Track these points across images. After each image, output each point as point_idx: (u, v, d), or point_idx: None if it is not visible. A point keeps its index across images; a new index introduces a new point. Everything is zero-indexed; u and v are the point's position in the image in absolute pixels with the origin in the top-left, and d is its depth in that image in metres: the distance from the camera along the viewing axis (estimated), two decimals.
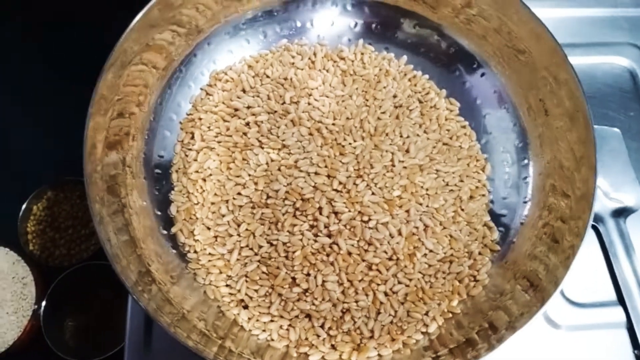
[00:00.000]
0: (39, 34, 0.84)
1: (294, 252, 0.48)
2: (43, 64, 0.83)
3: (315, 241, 0.49)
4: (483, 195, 0.54)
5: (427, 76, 0.60)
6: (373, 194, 0.50)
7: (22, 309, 0.67)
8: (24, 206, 0.73)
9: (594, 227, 0.57)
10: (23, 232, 0.73)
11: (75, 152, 0.76)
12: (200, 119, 0.55)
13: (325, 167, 0.51)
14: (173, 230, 0.51)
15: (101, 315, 0.71)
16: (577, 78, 0.49)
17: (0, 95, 0.81)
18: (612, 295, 0.56)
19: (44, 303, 0.67)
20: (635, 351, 0.53)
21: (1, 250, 0.70)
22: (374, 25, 0.61)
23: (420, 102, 0.58)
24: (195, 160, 0.53)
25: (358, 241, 0.49)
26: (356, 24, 0.61)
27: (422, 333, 0.48)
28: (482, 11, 0.55)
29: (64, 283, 0.69)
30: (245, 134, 0.54)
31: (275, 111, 0.54)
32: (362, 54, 0.60)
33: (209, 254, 0.50)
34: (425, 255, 0.50)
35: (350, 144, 0.53)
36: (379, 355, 0.47)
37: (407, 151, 0.53)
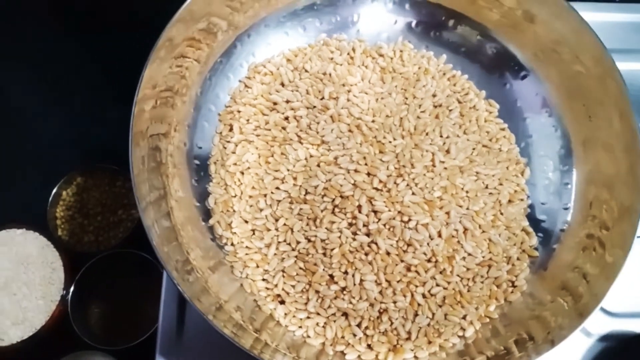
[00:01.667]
0: (74, 25, 0.84)
1: (332, 250, 0.48)
2: (72, 55, 0.83)
3: (354, 239, 0.48)
4: (522, 199, 0.54)
5: (466, 76, 0.59)
6: (413, 194, 0.50)
7: (50, 294, 0.67)
8: (53, 191, 0.73)
9: None
10: (52, 217, 0.73)
11: (105, 139, 0.76)
12: (239, 111, 0.55)
13: (365, 164, 0.50)
14: (211, 222, 0.51)
15: (127, 303, 0.71)
16: (624, 84, 0.48)
17: (35, 82, 0.81)
18: None
19: (71, 289, 0.67)
20: None
21: (31, 235, 0.70)
22: (414, 23, 0.60)
23: (459, 102, 0.57)
24: (234, 152, 0.53)
25: (397, 241, 0.48)
26: (396, 21, 0.60)
27: (459, 337, 0.48)
28: (527, 13, 0.54)
29: (91, 270, 0.69)
30: (284, 128, 0.53)
31: (315, 106, 0.54)
32: (402, 51, 0.59)
33: (246, 247, 0.50)
34: (464, 258, 0.49)
35: (390, 142, 0.52)
36: (415, 357, 0.46)
37: (448, 152, 0.53)
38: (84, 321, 0.69)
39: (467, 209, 0.51)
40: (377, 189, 0.50)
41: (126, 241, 0.72)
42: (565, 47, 0.53)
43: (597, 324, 0.54)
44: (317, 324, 0.47)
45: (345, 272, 0.48)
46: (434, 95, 0.57)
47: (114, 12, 0.82)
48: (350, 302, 0.47)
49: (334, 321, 0.47)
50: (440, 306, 0.48)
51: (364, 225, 0.48)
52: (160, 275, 0.56)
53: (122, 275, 0.71)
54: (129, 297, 0.71)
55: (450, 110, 0.56)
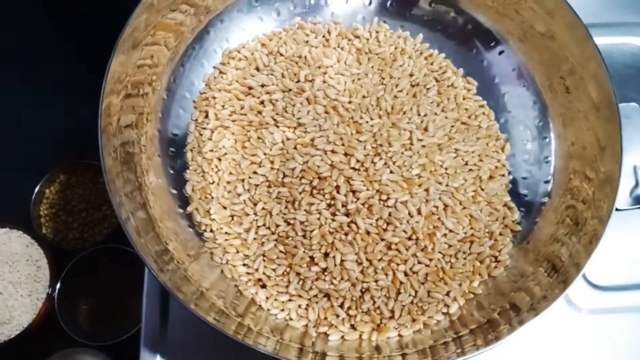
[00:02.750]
0: (52, 18, 0.84)
1: (311, 231, 0.48)
2: (53, 49, 0.82)
3: (333, 220, 0.48)
4: (503, 175, 0.53)
5: (443, 55, 0.58)
6: (391, 172, 0.49)
7: (36, 292, 0.67)
8: (36, 189, 0.73)
9: None
10: (36, 215, 0.73)
11: (87, 135, 0.75)
12: (214, 97, 0.54)
13: (342, 145, 0.50)
14: (189, 209, 0.50)
15: (114, 298, 0.71)
16: (601, 55, 0.48)
17: (13, 79, 0.80)
18: (637, 278, 0.55)
19: (58, 286, 0.67)
20: None
21: (15, 233, 0.70)
22: (389, 3, 0.59)
23: (437, 80, 0.57)
24: (210, 139, 0.52)
25: (377, 220, 0.48)
26: (370, 2, 0.60)
27: (443, 314, 0.47)
28: None
29: (77, 266, 0.68)
30: (260, 112, 0.53)
31: (290, 89, 0.54)
32: (377, 32, 0.59)
33: (226, 233, 0.49)
34: (445, 235, 0.49)
35: (367, 122, 0.52)
36: (400, 335, 0.46)
37: (426, 130, 0.52)
38: (71, 318, 0.69)
39: (447, 185, 0.50)
40: (354, 169, 0.49)
41: (111, 237, 0.71)
42: (541, 21, 0.52)
43: (586, 299, 0.54)
44: (299, 306, 0.47)
45: (326, 253, 0.47)
46: (411, 75, 0.56)
47: (93, 2, 0.81)
48: (332, 283, 0.47)
49: (316, 303, 0.47)
50: (422, 284, 0.48)
51: (342, 206, 0.48)
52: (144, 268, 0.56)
53: (108, 270, 0.70)
54: (115, 292, 0.71)
55: (427, 89, 0.56)
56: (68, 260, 0.68)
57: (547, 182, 0.52)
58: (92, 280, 0.71)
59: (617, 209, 0.55)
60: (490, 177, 0.53)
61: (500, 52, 0.57)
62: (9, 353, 0.66)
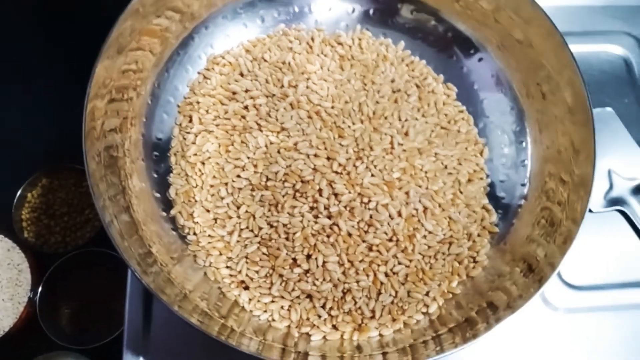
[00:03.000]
0: (33, 20, 0.83)
1: (294, 234, 0.48)
2: (37, 52, 0.82)
3: (316, 222, 0.49)
4: (481, 178, 0.55)
5: (424, 61, 0.60)
6: (373, 175, 0.50)
7: (17, 296, 0.67)
8: (18, 193, 0.73)
9: (622, 212, 0.58)
10: (18, 219, 0.72)
11: (70, 139, 0.75)
12: (198, 102, 0.55)
13: (325, 149, 0.51)
14: (172, 212, 0.51)
15: (96, 302, 0.71)
16: (576, 62, 0.49)
17: None
18: (612, 278, 0.56)
19: (39, 290, 0.67)
20: None
21: None
22: (371, 11, 0.61)
23: (418, 86, 0.58)
24: (194, 143, 0.53)
25: (358, 222, 0.49)
26: (354, 10, 0.61)
27: (423, 313, 0.48)
28: None
29: (59, 270, 0.68)
30: (243, 117, 0.54)
31: (274, 94, 0.54)
32: (360, 39, 0.60)
33: (209, 235, 0.50)
34: (424, 236, 0.50)
35: (349, 126, 0.53)
36: (380, 335, 0.47)
37: (406, 134, 0.54)
38: (53, 321, 0.69)
39: (427, 188, 0.52)
40: (336, 173, 0.50)
41: (94, 240, 0.71)
42: (518, 29, 0.54)
43: (562, 298, 0.55)
44: (282, 307, 0.48)
45: (308, 255, 0.48)
46: (392, 81, 0.58)
47: (78, 4, 0.81)
48: (314, 284, 0.47)
49: (299, 304, 0.47)
50: (403, 284, 0.49)
51: (325, 208, 0.49)
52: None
53: (91, 274, 0.70)
54: (98, 295, 0.71)
55: (408, 95, 0.57)
56: (50, 264, 0.68)
57: (523, 185, 0.54)
58: (74, 284, 0.71)
59: (592, 211, 0.57)
60: (469, 181, 0.54)
61: (480, 59, 0.58)
62: None
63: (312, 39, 0.59)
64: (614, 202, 0.58)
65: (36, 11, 0.83)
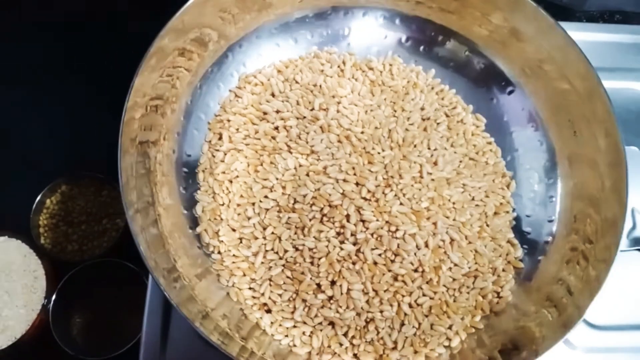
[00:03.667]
0: (58, 30, 0.84)
1: (319, 259, 0.48)
2: (61, 59, 0.83)
3: (342, 248, 0.48)
4: (507, 212, 0.54)
5: (454, 91, 0.60)
6: (401, 204, 0.50)
7: (31, 303, 0.66)
8: (37, 199, 0.73)
9: None
10: (35, 225, 0.72)
11: (91, 148, 0.76)
12: (228, 120, 0.55)
13: (354, 174, 0.51)
14: (198, 230, 0.50)
15: (110, 314, 0.70)
16: (609, 101, 0.49)
17: (19, 89, 0.80)
18: (632, 319, 0.55)
19: (53, 297, 0.66)
20: None
21: (13, 242, 0.69)
22: (404, 38, 0.61)
23: (447, 115, 0.58)
24: (223, 161, 0.53)
25: (385, 251, 0.48)
26: (386, 36, 0.61)
27: (445, 347, 0.48)
28: (515, 30, 0.55)
29: (74, 278, 0.68)
30: (274, 137, 0.54)
31: (305, 117, 0.54)
32: (391, 65, 0.60)
33: (233, 255, 0.50)
34: (450, 268, 0.50)
35: (379, 153, 0.53)
36: None
37: (435, 164, 0.53)
38: (66, 331, 0.68)
39: (454, 220, 0.51)
40: (365, 199, 0.50)
41: (110, 250, 0.71)
42: (552, 64, 0.54)
43: (582, 337, 0.55)
44: (304, 333, 0.47)
45: (333, 282, 0.48)
46: (422, 109, 0.58)
47: (101, 20, 0.82)
48: (337, 312, 0.47)
49: (321, 330, 0.47)
50: (426, 316, 0.48)
51: (351, 235, 0.49)
52: (144, 286, 0.56)
53: (106, 284, 0.69)
54: (111, 307, 0.70)
55: (438, 124, 0.57)
56: (65, 272, 0.68)
57: (550, 221, 0.53)
58: (88, 294, 0.70)
59: None
60: (495, 214, 0.54)
61: (510, 92, 0.58)
62: None
63: (344, 63, 0.59)
64: (637, 241, 0.57)
65: (62, 22, 0.84)
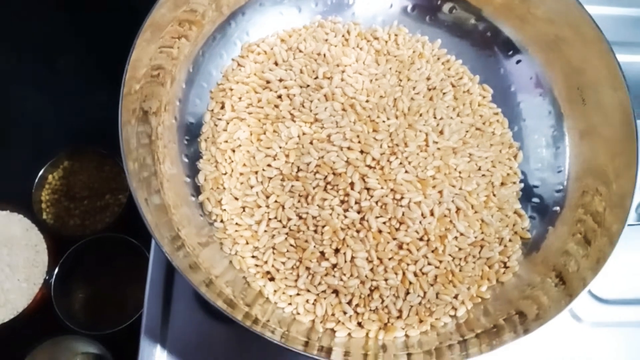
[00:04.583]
0: (60, 4, 0.83)
1: (323, 227, 0.47)
2: (62, 34, 0.82)
3: (346, 217, 0.48)
4: (514, 182, 0.53)
5: (460, 61, 0.59)
6: (406, 172, 0.49)
7: (33, 277, 0.66)
8: (39, 174, 0.72)
9: None
10: (37, 200, 0.72)
11: (93, 122, 0.75)
12: (231, 89, 0.54)
13: (359, 142, 0.50)
14: (200, 198, 0.50)
15: (112, 288, 0.70)
16: (621, 69, 0.48)
17: (23, 65, 0.79)
18: (638, 294, 0.55)
19: (55, 272, 0.66)
20: None
21: (15, 217, 0.69)
22: (409, 7, 0.60)
23: (453, 86, 0.57)
24: (225, 130, 0.52)
25: (390, 219, 0.48)
26: (392, 5, 0.60)
27: (451, 316, 0.47)
28: None
29: (76, 253, 0.67)
30: (277, 106, 0.53)
31: (308, 85, 0.54)
32: (396, 35, 0.59)
33: (236, 224, 0.49)
34: (456, 238, 0.49)
35: (384, 121, 0.52)
36: (406, 335, 0.46)
37: (441, 133, 0.53)
38: (68, 305, 0.68)
39: (460, 189, 0.50)
40: (370, 167, 0.49)
41: (113, 225, 0.71)
42: (562, 31, 0.52)
43: (589, 311, 0.54)
44: (307, 301, 0.47)
45: (337, 249, 0.47)
46: (428, 79, 0.57)
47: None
48: (341, 279, 0.46)
49: (324, 298, 0.46)
50: (431, 285, 0.47)
51: (356, 203, 0.48)
52: (146, 260, 0.55)
53: (108, 259, 0.69)
54: (113, 282, 0.70)
55: (444, 94, 0.56)
56: (67, 247, 0.67)
57: (558, 191, 0.53)
58: (90, 269, 0.70)
59: None
60: (502, 184, 0.53)
61: (518, 61, 0.57)
62: (2, 336, 0.64)
63: (348, 32, 0.58)
64: None
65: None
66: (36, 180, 0.72)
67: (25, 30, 0.80)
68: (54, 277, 0.66)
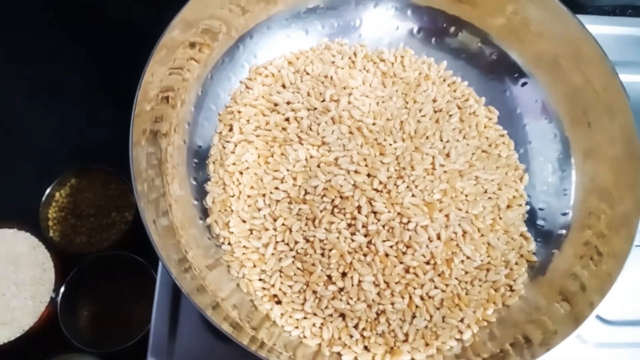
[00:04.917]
0: (68, 24, 0.84)
1: (330, 250, 0.48)
2: (70, 54, 0.83)
3: (353, 240, 0.48)
4: (520, 205, 0.54)
5: (466, 83, 0.59)
6: (413, 195, 0.49)
7: (39, 295, 0.66)
8: (47, 192, 0.72)
9: None
10: (44, 217, 0.72)
11: (100, 141, 0.76)
12: (239, 112, 0.54)
13: (366, 165, 0.50)
14: (208, 221, 0.50)
15: (118, 306, 0.70)
16: (625, 93, 0.48)
17: (29, 82, 0.80)
18: None
19: (62, 290, 0.66)
20: None
21: (21, 234, 0.69)
22: (416, 29, 0.60)
23: (459, 108, 0.57)
24: (233, 152, 0.53)
25: (396, 243, 0.48)
26: (398, 27, 0.60)
27: (456, 340, 0.47)
28: (529, 20, 0.54)
29: (83, 271, 0.67)
30: (284, 129, 0.53)
31: (316, 108, 0.54)
32: (402, 57, 0.59)
33: (244, 246, 0.49)
34: (462, 261, 0.49)
35: (390, 144, 0.52)
36: (412, 359, 0.46)
37: (448, 155, 0.53)
38: (74, 323, 0.68)
39: (467, 212, 0.51)
40: (377, 190, 0.49)
41: (119, 243, 0.71)
42: (566, 55, 0.53)
43: (593, 332, 0.54)
44: (314, 325, 0.47)
45: (344, 273, 0.47)
46: (434, 101, 0.57)
47: (111, 12, 0.82)
48: (348, 303, 0.47)
49: (331, 322, 0.47)
50: (438, 309, 0.47)
51: (363, 226, 0.48)
52: (152, 279, 0.55)
53: (114, 277, 0.69)
54: (119, 300, 0.70)
55: (450, 116, 0.56)
56: (74, 265, 0.67)
57: (564, 214, 0.53)
58: (96, 287, 0.70)
59: None
60: (508, 207, 0.53)
61: (524, 84, 0.57)
62: (8, 355, 0.64)
63: (355, 54, 0.59)
64: None
65: (73, 15, 0.83)
66: (43, 198, 0.72)
67: (33, 49, 0.81)
68: (60, 295, 0.66)
